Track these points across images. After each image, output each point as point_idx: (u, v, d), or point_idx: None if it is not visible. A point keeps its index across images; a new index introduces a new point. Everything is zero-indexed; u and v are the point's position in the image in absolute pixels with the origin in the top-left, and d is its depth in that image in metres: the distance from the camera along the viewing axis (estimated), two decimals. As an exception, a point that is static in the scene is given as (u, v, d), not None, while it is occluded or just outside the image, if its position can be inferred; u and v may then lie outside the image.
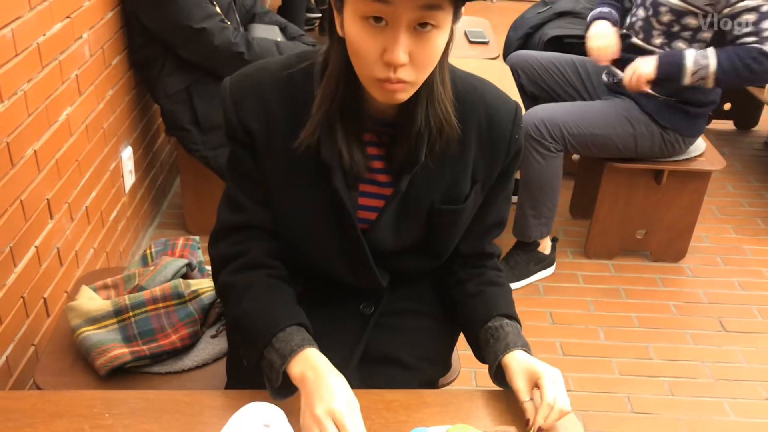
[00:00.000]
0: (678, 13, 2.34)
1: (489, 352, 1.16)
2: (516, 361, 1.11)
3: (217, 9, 2.35)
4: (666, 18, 2.36)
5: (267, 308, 1.10)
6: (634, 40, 2.47)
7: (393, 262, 1.20)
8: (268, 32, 2.54)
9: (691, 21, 2.33)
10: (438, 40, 0.97)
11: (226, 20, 2.36)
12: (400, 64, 0.95)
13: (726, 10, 2.28)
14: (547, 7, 3.35)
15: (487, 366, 1.23)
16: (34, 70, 1.74)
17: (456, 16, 0.99)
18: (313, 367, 1.01)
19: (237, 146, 1.13)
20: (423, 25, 0.94)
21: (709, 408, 2.15)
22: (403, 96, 1.01)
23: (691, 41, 2.37)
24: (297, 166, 1.10)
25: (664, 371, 2.29)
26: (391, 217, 1.15)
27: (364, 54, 0.97)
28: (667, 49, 2.40)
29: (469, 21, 3.46)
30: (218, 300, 1.53)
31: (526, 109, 2.62)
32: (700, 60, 2.28)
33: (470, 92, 1.13)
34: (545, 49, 3.08)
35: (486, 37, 3.23)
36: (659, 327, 2.49)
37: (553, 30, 3.15)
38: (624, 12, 2.61)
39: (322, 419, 0.95)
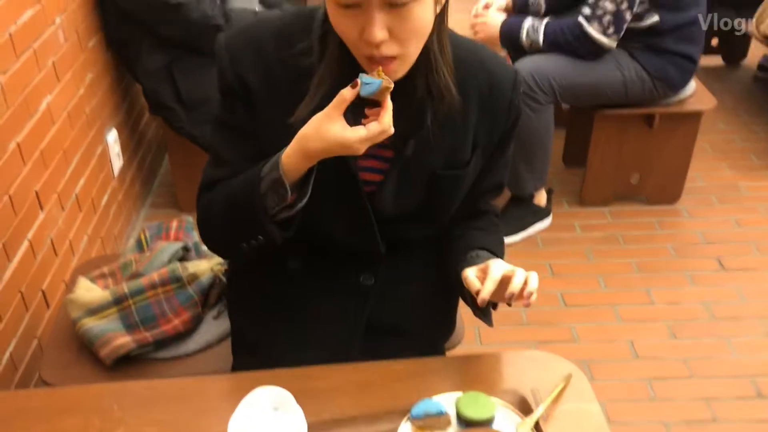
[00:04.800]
0: None
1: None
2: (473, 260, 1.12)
3: (192, -19, 2.29)
4: None
5: (242, 177, 1.09)
6: None
7: (392, 227, 1.19)
8: (246, 2, 2.48)
9: None
10: (417, 11, 0.95)
11: (202, -8, 2.31)
12: (378, 42, 0.95)
13: None
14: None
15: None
16: (9, 61, 1.70)
17: None
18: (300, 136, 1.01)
19: (231, 100, 1.11)
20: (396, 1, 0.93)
21: (711, 348, 2.17)
22: (398, 70, 1.01)
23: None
24: (297, 124, 1.06)
25: (666, 315, 2.30)
26: (393, 181, 1.14)
27: (346, 36, 0.99)
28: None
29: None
30: (218, 280, 1.52)
31: (514, 61, 2.58)
32: (531, 34, 2.48)
33: (470, 58, 1.12)
34: None
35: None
36: (659, 271, 2.50)
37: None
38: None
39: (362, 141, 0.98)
